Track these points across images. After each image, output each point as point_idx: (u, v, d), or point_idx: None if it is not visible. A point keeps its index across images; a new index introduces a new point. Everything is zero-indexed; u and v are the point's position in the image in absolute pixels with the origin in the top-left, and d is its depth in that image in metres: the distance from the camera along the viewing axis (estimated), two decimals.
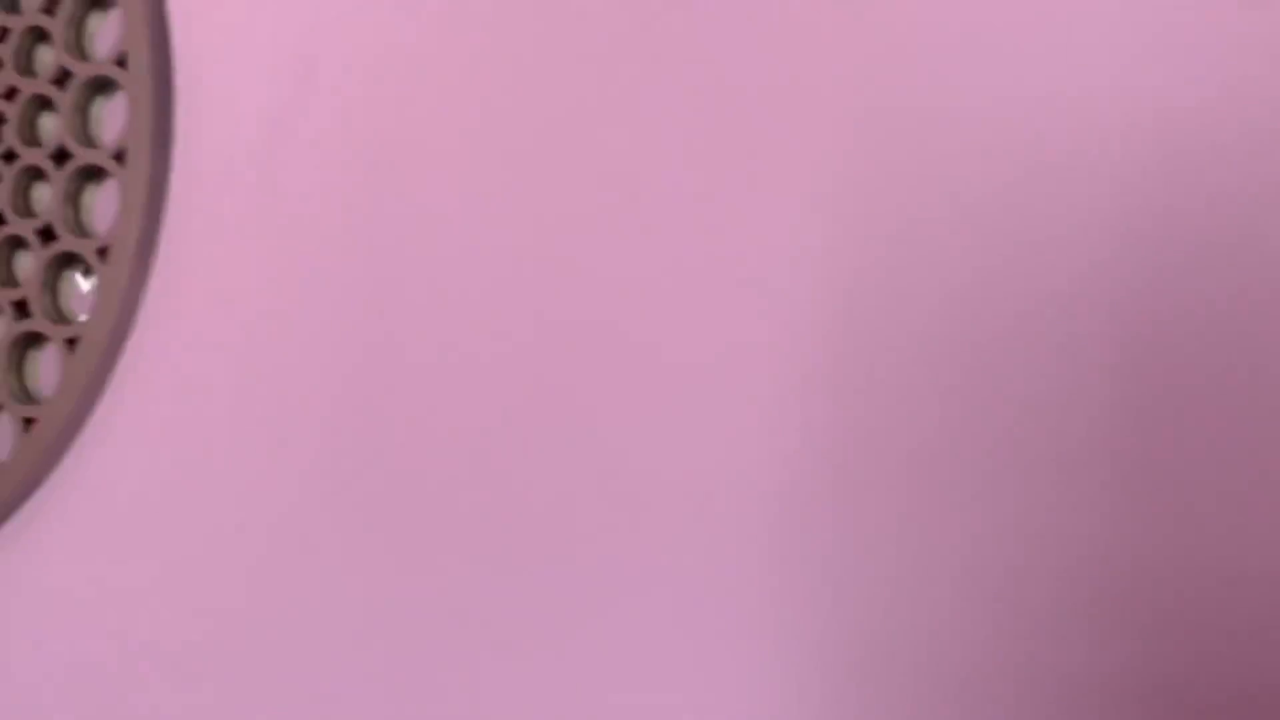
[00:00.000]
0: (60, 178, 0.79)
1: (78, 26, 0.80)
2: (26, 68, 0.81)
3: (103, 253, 0.77)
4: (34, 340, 0.80)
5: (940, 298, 0.64)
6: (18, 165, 0.80)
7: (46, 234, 0.79)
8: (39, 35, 0.81)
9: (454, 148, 0.73)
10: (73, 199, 0.79)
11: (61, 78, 0.79)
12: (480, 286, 0.71)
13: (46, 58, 0.81)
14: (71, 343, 0.77)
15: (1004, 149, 0.62)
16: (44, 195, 0.80)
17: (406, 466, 0.72)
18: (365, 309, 0.74)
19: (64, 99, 0.79)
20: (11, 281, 0.80)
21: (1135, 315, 0.60)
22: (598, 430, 0.67)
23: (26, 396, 0.79)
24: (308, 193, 0.75)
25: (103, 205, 0.79)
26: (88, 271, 0.79)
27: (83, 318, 0.78)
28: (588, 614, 0.68)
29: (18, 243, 0.80)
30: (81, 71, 0.79)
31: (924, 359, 0.64)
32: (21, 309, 0.79)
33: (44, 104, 0.81)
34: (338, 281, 0.75)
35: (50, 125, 0.81)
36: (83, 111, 0.79)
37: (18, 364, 0.80)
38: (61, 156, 0.79)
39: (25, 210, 0.80)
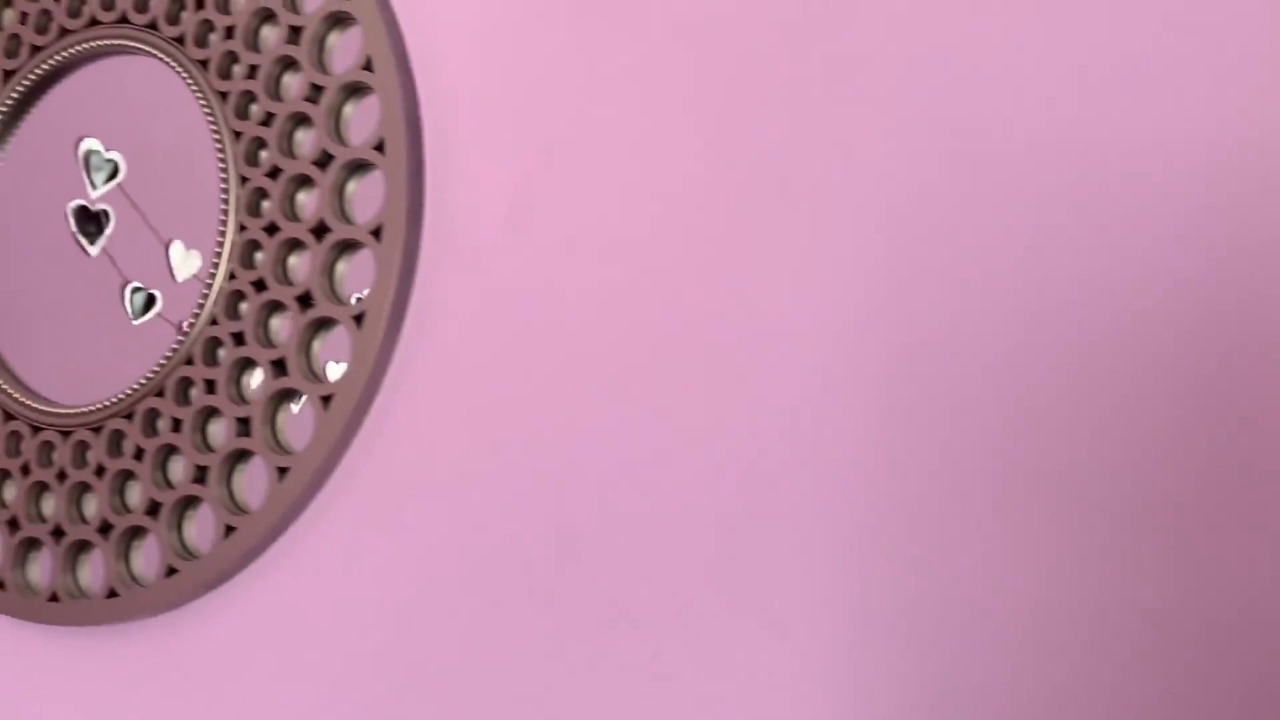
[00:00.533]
0: (320, 250, 0.86)
1: (336, 114, 0.88)
2: (288, 149, 0.90)
3: (358, 319, 0.84)
4: (288, 396, 0.88)
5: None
6: (279, 237, 0.88)
7: (304, 300, 0.87)
8: (299, 120, 0.90)
9: (686, 232, 0.78)
10: (329, 269, 0.87)
11: (323, 160, 0.88)
12: (693, 353, 0.76)
13: (306, 140, 0.90)
14: (326, 400, 0.85)
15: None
16: (300, 264, 0.89)
17: (616, 517, 0.77)
18: (594, 384, 0.80)
19: (324, 179, 0.87)
20: (269, 342, 0.88)
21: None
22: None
23: (280, 447, 0.87)
24: (548, 271, 0.82)
25: (354, 275, 0.87)
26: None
27: (335, 377, 0.86)
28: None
29: (276, 307, 0.88)
30: (342, 155, 0.87)
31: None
32: (279, 367, 0.87)
33: (303, 182, 0.89)
34: (570, 355, 0.81)
35: (307, 201, 0.89)
36: (340, 190, 0.87)
37: (273, 417, 0.88)
38: (321, 230, 0.87)
39: (284, 278, 0.89)
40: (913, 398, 0.70)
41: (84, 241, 1.04)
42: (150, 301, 1.01)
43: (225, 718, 0.88)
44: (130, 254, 1.00)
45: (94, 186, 1.05)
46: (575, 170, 0.82)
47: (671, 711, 0.74)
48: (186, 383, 0.90)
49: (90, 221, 1.04)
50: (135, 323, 1.01)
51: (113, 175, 1.04)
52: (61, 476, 0.95)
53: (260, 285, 0.89)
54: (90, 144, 1.04)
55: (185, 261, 1.03)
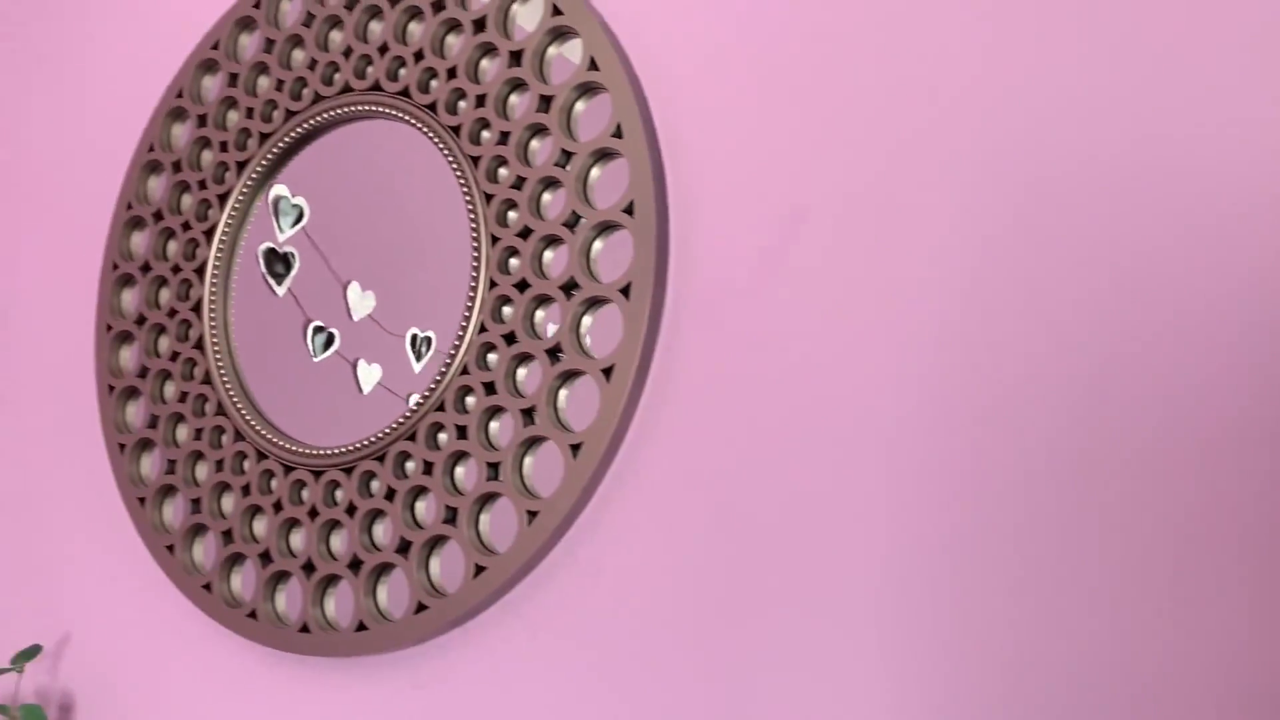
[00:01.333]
0: (569, 306, 0.91)
1: (585, 178, 0.93)
2: (537, 211, 0.94)
3: (606, 372, 0.88)
4: (535, 443, 0.92)
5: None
6: (529, 293, 0.93)
7: (553, 353, 0.91)
8: (549, 183, 0.94)
9: (929, 293, 0.80)
10: (575, 324, 0.91)
11: (571, 221, 0.92)
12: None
13: (554, 202, 0.94)
14: (575, 448, 0.89)
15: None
16: (548, 319, 0.93)
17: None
18: (834, 442, 0.82)
19: (573, 239, 0.92)
20: (518, 392, 0.93)
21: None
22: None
23: (528, 492, 0.91)
24: (790, 329, 0.84)
25: (598, 329, 0.91)
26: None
27: (581, 428, 0.89)
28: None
29: (524, 358, 0.93)
30: (591, 217, 0.91)
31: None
32: (528, 415, 0.92)
33: (551, 241, 0.94)
34: (810, 413, 0.83)
35: (554, 259, 0.94)
36: (587, 250, 0.92)
37: (520, 463, 0.92)
38: (569, 287, 0.91)
39: (532, 332, 0.93)
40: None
41: (271, 282, 1.11)
42: (330, 340, 1.07)
43: None
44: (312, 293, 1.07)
45: (281, 230, 1.12)
46: (818, 232, 0.85)
47: None
48: (437, 427, 0.95)
49: (279, 262, 1.11)
50: (316, 360, 1.08)
51: (298, 220, 1.11)
52: (313, 514, 1.00)
53: (510, 338, 0.93)
54: (279, 190, 1.11)
55: (361, 301, 1.09)
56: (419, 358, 0.99)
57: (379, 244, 1.07)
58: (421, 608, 0.94)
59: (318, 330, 1.07)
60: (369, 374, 1.02)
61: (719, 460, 0.86)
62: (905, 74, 0.83)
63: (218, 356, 1.09)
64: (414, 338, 1.00)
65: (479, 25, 1.00)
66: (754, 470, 0.84)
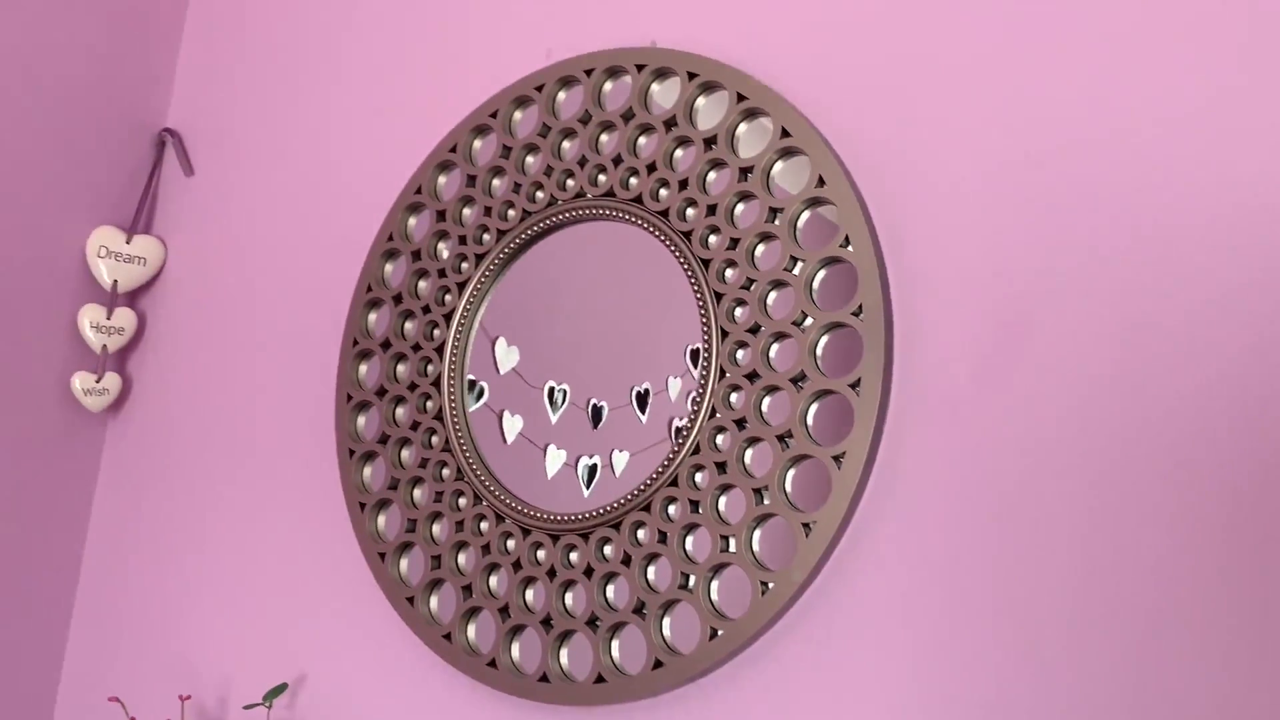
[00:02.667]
0: (798, 396, 1.00)
1: (811, 281, 1.03)
2: (764, 310, 1.04)
3: (837, 459, 0.97)
4: (764, 519, 1.01)
5: None
6: (759, 384, 1.03)
7: (783, 438, 1.01)
8: (776, 284, 1.04)
9: (1149, 394, 0.88)
10: (804, 414, 1.00)
11: (799, 320, 1.02)
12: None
13: (781, 301, 1.04)
14: (807, 526, 0.98)
15: None
16: (775, 407, 1.02)
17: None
18: (1055, 541, 0.90)
19: (802, 337, 1.01)
20: (748, 472, 1.02)
21: None
22: None
23: (760, 564, 1.00)
24: (1014, 429, 0.93)
25: (821, 419, 1.00)
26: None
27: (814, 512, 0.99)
28: None
29: (754, 441, 1.02)
30: (819, 318, 1.01)
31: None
32: (758, 494, 1.01)
33: (779, 337, 1.03)
34: (1029, 510, 0.91)
35: (779, 353, 1.03)
36: (813, 348, 1.01)
37: (751, 537, 1.01)
38: (798, 379, 1.01)
39: (760, 418, 1.03)
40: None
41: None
42: (480, 393, 1.19)
43: None
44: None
45: (500, 369, 1.23)
46: (1039, 338, 0.93)
47: None
48: (669, 500, 1.05)
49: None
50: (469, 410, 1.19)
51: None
52: (551, 573, 1.11)
53: (741, 423, 1.03)
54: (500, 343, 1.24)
55: (506, 356, 1.20)
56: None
57: (607, 334, 1.18)
58: (658, 664, 1.03)
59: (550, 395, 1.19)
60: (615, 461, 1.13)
61: (939, 546, 0.94)
62: (1125, 202, 0.92)
63: (456, 427, 1.20)
64: (639, 394, 1.11)
65: (709, 142, 1.11)
66: (977, 565, 0.92)
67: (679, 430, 1.06)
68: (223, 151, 1.57)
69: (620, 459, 1.11)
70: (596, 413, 1.14)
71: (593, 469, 1.12)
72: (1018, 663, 0.89)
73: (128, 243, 1.55)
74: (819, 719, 0.96)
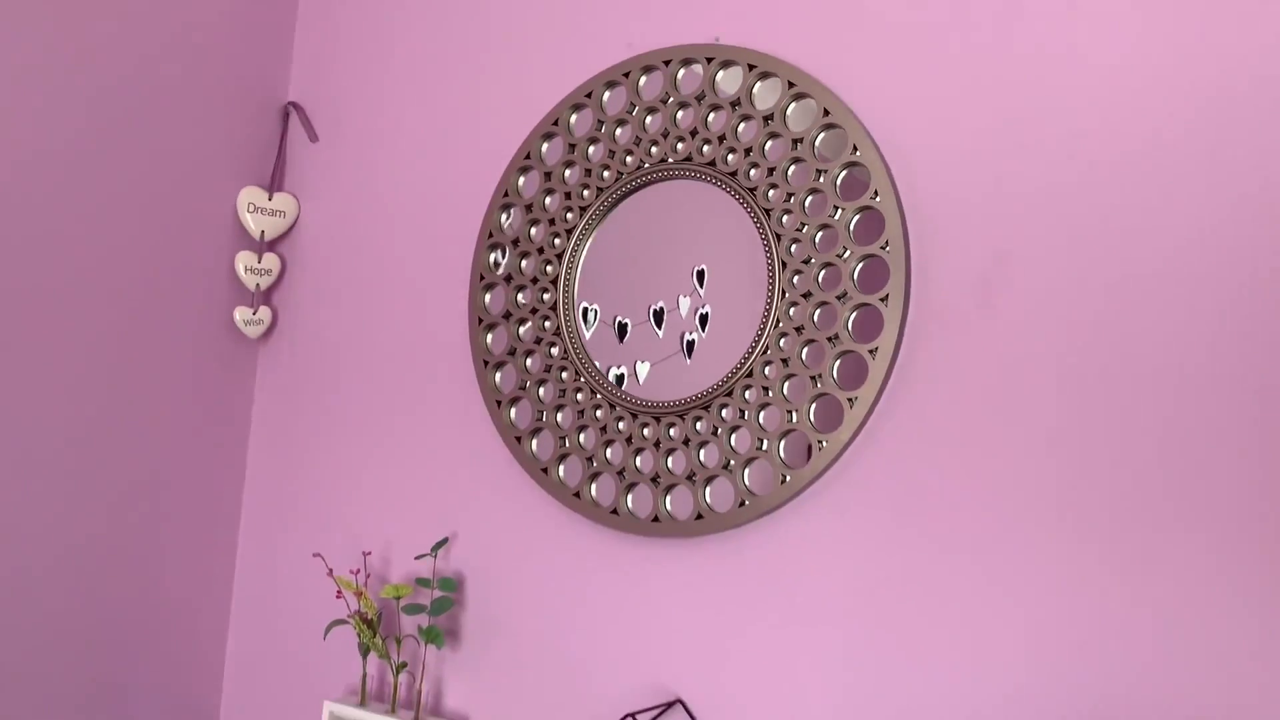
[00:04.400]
0: (842, 308, 1.36)
1: (849, 224, 1.38)
2: (814, 246, 1.39)
3: (872, 352, 1.34)
4: (819, 398, 1.37)
5: None
6: (813, 300, 1.38)
7: (832, 339, 1.37)
8: (823, 227, 1.39)
9: (1108, 319, 1.25)
10: (846, 322, 1.37)
11: (841, 253, 1.37)
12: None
13: (827, 240, 1.39)
14: (850, 400, 1.34)
15: None
16: (824, 316, 1.38)
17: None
18: (1039, 434, 1.27)
19: (844, 266, 1.37)
20: (805, 365, 1.38)
21: None
22: None
23: (816, 429, 1.37)
24: (1006, 342, 1.29)
25: (858, 326, 1.36)
26: None
27: (854, 394, 1.35)
28: None
29: (810, 342, 1.38)
30: (856, 251, 1.36)
31: None
32: (815, 380, 1.37)
33: (826, 265, 1.39)
34: (1016, 409, 1.28)
35: (825, 278, 1.39)
36: (853, 274, 1.37)
37: (809, 411, 1.38)
38: (842, 296, 1.37)
39: (814, 325, 1.39)
40: None
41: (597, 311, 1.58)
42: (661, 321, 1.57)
43: (772, 603, 1.39)
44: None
45: (589, 328, 1.58)
46: (1024, 269, 1.29)
47: None
48: (746, 387, 1.42)
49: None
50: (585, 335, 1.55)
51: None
52: (656, 444, 1.47)
53: (800, 329, 1.39)
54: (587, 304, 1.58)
55: (678, 305, 1.55)
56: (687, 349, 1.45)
57: (688, 268, 1.53)
58: (741, 504, 1.40)
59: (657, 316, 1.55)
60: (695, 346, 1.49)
61: (942, 421, 1.31)
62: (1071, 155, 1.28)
63: (573, 341, 1.56)
64: (703, 317, 1.46)
65: (766, 119, 1.45)
66: (992, 404, 1.29)
67: (755, 338, 1.42)
68: (342, 120, 1.88)
69: (642, 369, 1.48)
70: (622, 328, 1.50)
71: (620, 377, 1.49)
72: (1003, 516, 1.27)
73: (269, 199, 1.87)
74: (864, 538, 1.34)
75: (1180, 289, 1.19)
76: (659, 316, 1.51)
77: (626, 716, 1.36)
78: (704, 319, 1.48)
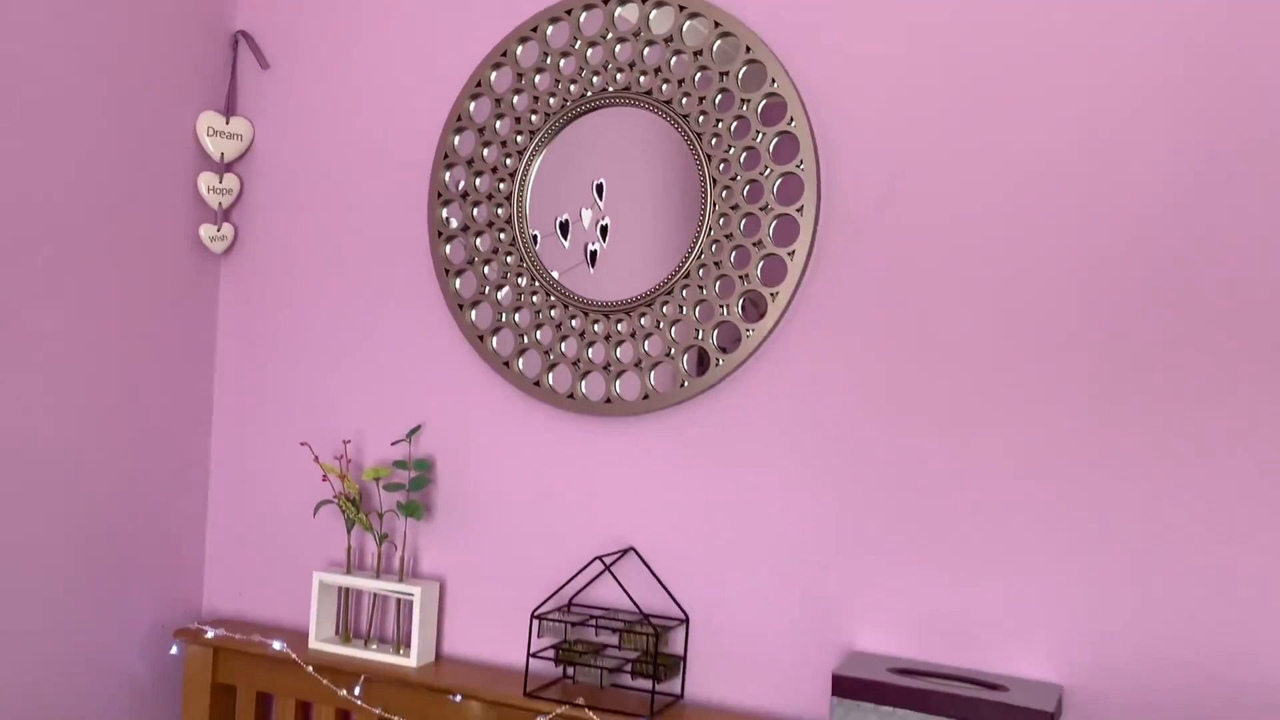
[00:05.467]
0: (766, 217, 1.60)
1: (770, 146, 1.61)
2: (740, 165, 1.62)
3: (791, 254, 1.59)
4: (746, 294, 1.62)
5: None
6: (740, 211, 1.62)
7: (758, 244, 1.61)
8: (747, 149, 1.62)
9: (989, 219, 1.52)
10: (768, 229, 1.61)
11: (764, 170, 1.61)
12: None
13: (751, 160, 1.62)
14: (773, 294, 1.59)
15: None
16: (749, 225, 1.62)
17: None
18: (931, 306, 1.54)
19: (765, 183, 1.60)
20: (734, 265, 1.62)
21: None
22: None
23: (744, 320, 1.62)
24: (892, 238, 1.56)
25: (776, 232, 1.61)
26: None
27: (776, 290, 1.60)
28: None
29: (739, 248, 1.62)
30: (775, 169, 1.60)
31: None
32: (744, 279, 1.62)
33: (750, 183, 1.62)
34: (912, 294, 1.55)
35: (751, 192, 1.62)
36: (774, 190, 1.61)
37: (740, 306, 1.62)
38: (765, 208, 1.61)
39: (741, 232, 1.62)
40: None
41: (559, 234, 1.77)
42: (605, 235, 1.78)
43: (708, 465, 1.65)
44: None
45: (566, 245, 1.78)
46: (921, 184, 1.55)
47: None
48: (684, 287, 1.65)
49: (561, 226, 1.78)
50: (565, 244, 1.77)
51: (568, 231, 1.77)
52: (607, 338, 1.70)
53: (729, 236, 1.63)
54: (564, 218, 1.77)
55: (602, 220, 1.77)
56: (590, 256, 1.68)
57: (632, 186, 1.74)
58: (681, 384, 1.65)
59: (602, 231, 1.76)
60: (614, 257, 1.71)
61: (854, 305, 1.58)
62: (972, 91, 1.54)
63: (526, 249, 1.76)
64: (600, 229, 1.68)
65: (696, 54, 1.66)
66: (884, 297, 1.57)
67: (690, 245, 1.65)
68: (294, 47, 2.00)
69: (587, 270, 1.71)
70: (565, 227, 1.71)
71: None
72: (893, 377, 1.56)
73: (226, 123, 1.98)
74: (786, 407, 1.61)
75: (1040, 207, 1.48)
76: (605, 230, 1.73)
77: (596, 558, 1.62)
78: (604, 230, 1.70)
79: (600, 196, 1.72)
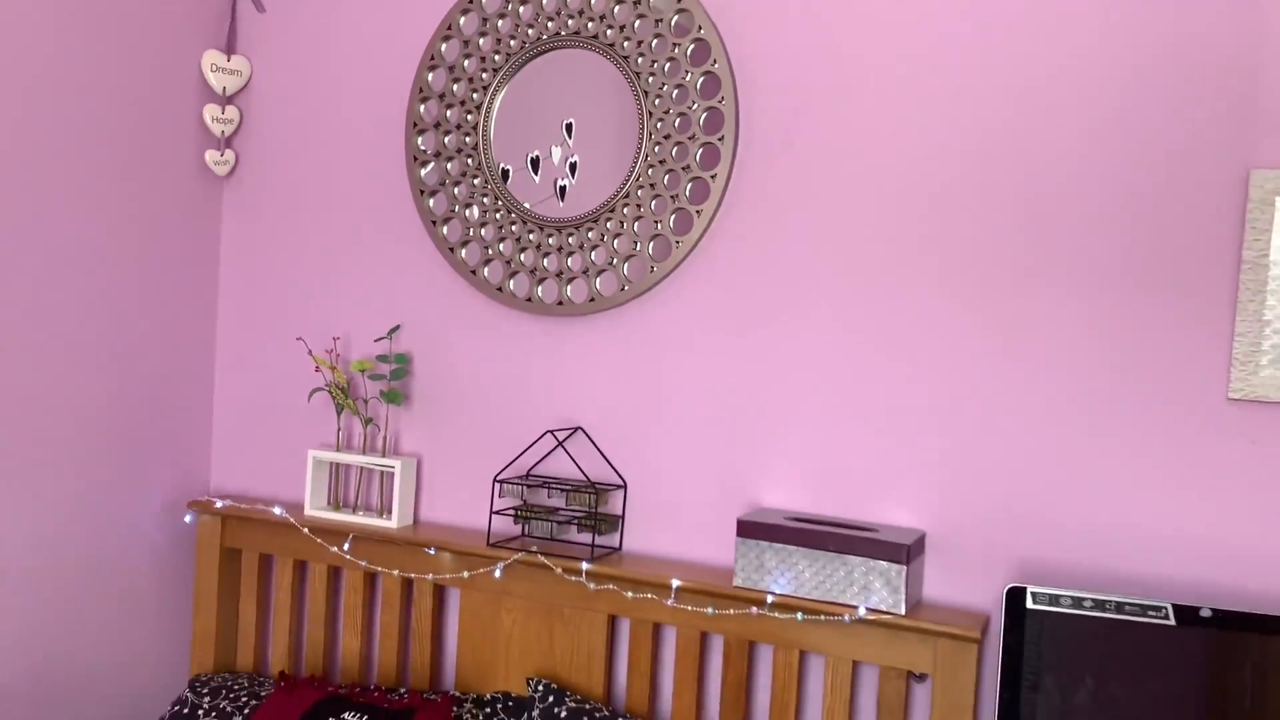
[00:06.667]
0: (692, 145, 1.86)
1: (696, 84, 1.86)
2: (672, 101, 1.88)
3: (713, 176, 1.85)
4: (678, 211, 1.89)
5: None
6: (671, 140, 1.88)
7: (686, 169, 1.87)
8: (678, 86, 1.88)
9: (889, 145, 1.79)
10: (696, 155, 1.87)
11: (690, 106, 1.87)
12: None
13: (681, 97, 1.88)
14: (699, 212, 1.86)
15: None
16: (679, 153, 1.88)
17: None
18: (835, 222, 1.82)
19: (692, 113, 1.86)
20: (667, 187, 1.89)
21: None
22: None
23: (675, 231, 1.89)
24: (800, 160, 1.82)
25: (704, 159, 1.87)
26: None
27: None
28: None
29: (670, 171, 1.88)
30: (701, 104, 1.86)
31: None
32: (674, 199, 1.88)
33: (680, 115, 1.88)
34: (819, 210, 1.82)
35: (680, 124, 1.88)
36: (699, 120, 1.86)
37: (671, 220, 1.89)
38: (692, 138, 1.86)
39: (672, 159, 1.88)
40: None
41: (530, 172, 2.03)
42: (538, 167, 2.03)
43: (645, 358, 1.93)
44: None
45: (536, 178, 2.04)
46: (818, 118, 1.81)
47: None
48: (624, 204, 1.91)
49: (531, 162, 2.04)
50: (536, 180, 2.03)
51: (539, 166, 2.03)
52: (560, 249, 1.97)
53: (662, 161, 1.89)
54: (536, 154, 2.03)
55: (560, 149, 2.03)
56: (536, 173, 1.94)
57: (578, 116, 1.99)
58: (622, 288, 1.92)
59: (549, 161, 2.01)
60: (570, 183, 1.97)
61: (769, 210, 1.85)
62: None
63: (490, 172, 2.02)
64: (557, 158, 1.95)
65: (636, 2, 1.90)
66: (789, 213, 1.84)
67: (628, 171, 1.91)
68: None
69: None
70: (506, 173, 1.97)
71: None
72: (794, 279, 1.83)
73: (228, 60, 2.22)
74: (710, 305, 1.89)
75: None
76: (574, 167, 1.99)
77: (548, 432, 1.91)
78: (574, 166, 1.96)
79: (570, 135, 1.97)
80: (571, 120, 1.96)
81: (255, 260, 2.27)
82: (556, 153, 1.98)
